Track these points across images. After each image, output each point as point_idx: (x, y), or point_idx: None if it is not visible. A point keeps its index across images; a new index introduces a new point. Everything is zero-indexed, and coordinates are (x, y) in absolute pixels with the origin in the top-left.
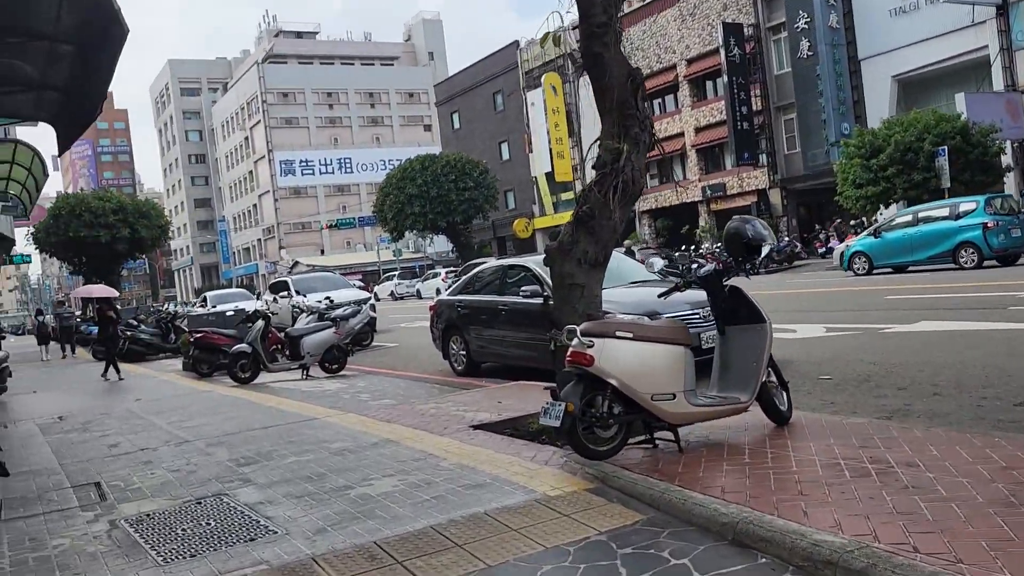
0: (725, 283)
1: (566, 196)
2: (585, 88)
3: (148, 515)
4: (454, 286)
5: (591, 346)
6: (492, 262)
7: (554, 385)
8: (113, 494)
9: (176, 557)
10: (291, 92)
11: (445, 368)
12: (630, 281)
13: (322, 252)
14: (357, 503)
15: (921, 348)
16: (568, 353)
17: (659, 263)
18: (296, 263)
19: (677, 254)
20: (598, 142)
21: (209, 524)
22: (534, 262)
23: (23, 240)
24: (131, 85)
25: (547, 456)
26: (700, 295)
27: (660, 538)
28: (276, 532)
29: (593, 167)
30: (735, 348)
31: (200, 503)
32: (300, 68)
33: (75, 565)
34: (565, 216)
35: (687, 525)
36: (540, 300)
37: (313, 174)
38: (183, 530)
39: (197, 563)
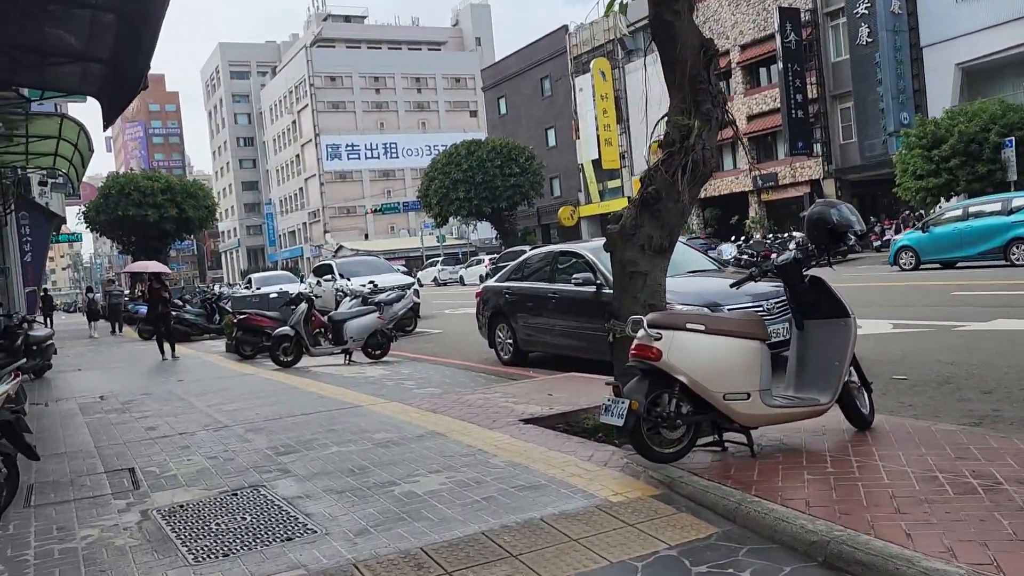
0: (805, 273)
1: (612, 184)
2: (654, 64)
3: (181, 506)
4: (501, 272)
5: (659, 339)
6: (530, 249)
7: (614, 380)
8: (147, 481)
9: (208, 556)
10: (338, 76)
11: (491, 356)
12: (688, 270)
13: (366, 237)
14: (402, 501)
15: (1003, 348)
16: (633, 346)
17: (730, 250)
18: (340, 247)
19: (740, 242)
20: (665, 118)
21: (244, 519)
22: (586, 248)
23: (74, 219)
24: (184, 69)
25: (606, 456)
26: (764, 286)
27: (739, 556)
28: (315, 531)
29: (660, 145)
30: (814, 344)
31: (236, 495)
32: (348, 52)
33: (101, 560)
34: (611, 204)
35: (768, 542)
36: (592, 288)
37: (359, 159)
38: (217, 525)
39: (229, 564)
